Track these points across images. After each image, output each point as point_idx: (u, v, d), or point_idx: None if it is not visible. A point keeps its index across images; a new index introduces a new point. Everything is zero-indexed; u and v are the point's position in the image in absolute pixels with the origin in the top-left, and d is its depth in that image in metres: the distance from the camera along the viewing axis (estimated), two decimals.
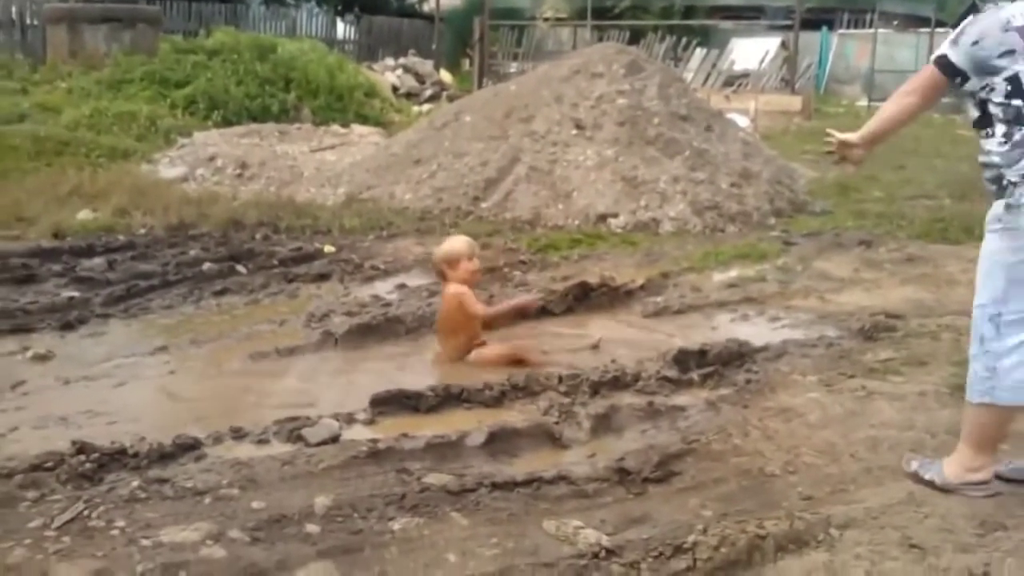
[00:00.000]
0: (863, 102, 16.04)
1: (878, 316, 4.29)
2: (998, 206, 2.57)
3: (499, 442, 3.02)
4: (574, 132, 7.05)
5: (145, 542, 2.34)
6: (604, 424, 3.21)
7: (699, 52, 18.24)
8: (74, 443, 2.79)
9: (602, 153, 6.82)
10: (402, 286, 4.85)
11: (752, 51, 17.67)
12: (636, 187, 6.59)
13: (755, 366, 3.71)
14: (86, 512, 2.45)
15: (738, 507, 2.61)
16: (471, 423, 3.16)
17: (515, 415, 3.28)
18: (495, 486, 2.72)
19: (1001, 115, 2.54)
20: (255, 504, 2.57)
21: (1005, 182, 2.54)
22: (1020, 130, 2.51)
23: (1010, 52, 2.51)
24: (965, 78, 2.58)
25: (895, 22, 22.02)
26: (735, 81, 17.25)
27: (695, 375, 3.62)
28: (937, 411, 3.29)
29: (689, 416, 3.25)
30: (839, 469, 2.85)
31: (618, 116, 7.13)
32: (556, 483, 2.77)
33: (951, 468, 2.74)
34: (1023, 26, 2.52)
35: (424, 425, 3.17)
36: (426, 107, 13.96)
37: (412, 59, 17.02)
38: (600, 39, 17.73)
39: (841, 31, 21.98)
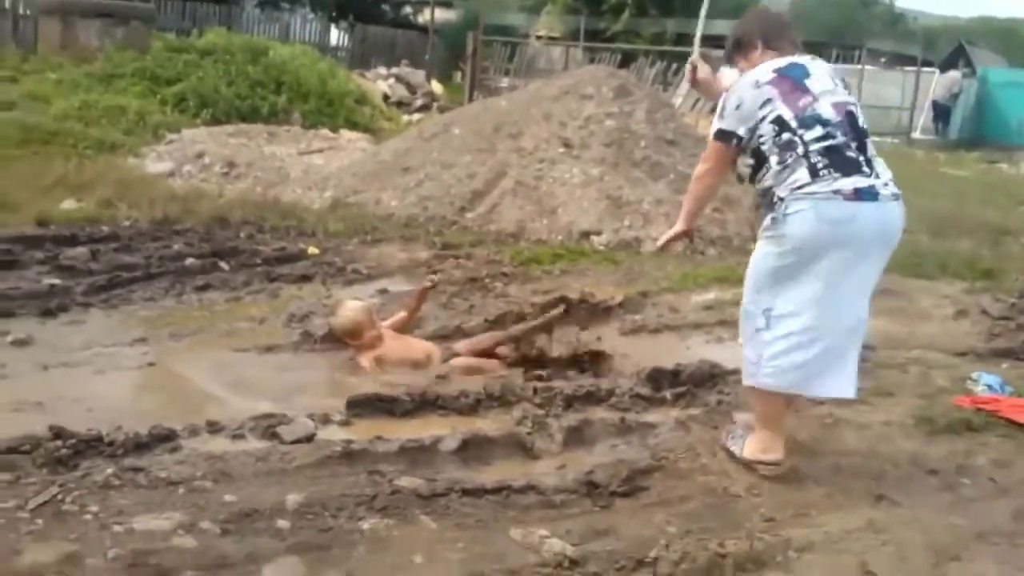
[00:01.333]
0: None
1: None
2: (768, 219, 2.93)
3: (471, 449, 3.07)
4: (561, 150, 7.14)
5: (117, 528, 2.37)
6: (576, 437, 3.26)
7: None
8: (51, 428, 2.82)
9: (588, 172, 6.90)
10: (384, 291, 4.90)
11: None
12: (620, 207, 6.68)
13: (727, 388, 3.77)
14: (60, 496, 2.47)
15: (701, 525, 2.67)
16: (445, 429, 3.21)
17: (489, 423, 3.33)
18: (465, 492, 2.76)
19: (775, 149, 2.92)
20: (227, 497, 2.60)
21: (775, 198, 2.90)
22: (791, 155, 2.89)
23: (768, 101, 2.93)
24: (740, 138, 2.99)
25: (883, 59, 22.40)
26: None
27: (667, 394, 3.68)
28: (901, 441, 3.37)
29: (659, 433, 3.31)
30: (802, 493, 2.92)
31: (605, 137, 7.23)
32: (525, 492, 2.81)
33: (750, 446, 3.03)
34: (770, 79, 2.95)
35: (399, 429, 3.21)
36: (416, 117, 14.04)
37: (404, 69, 17.12)
38: (591, 60, 17.92)
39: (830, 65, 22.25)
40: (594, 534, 2.61)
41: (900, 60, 22.03)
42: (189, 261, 5.19)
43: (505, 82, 18.88)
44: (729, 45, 3.22)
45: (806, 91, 2.93)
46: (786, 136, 2.90)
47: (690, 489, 2.92)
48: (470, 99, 14.90)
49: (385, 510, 2.64)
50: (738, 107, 2.98)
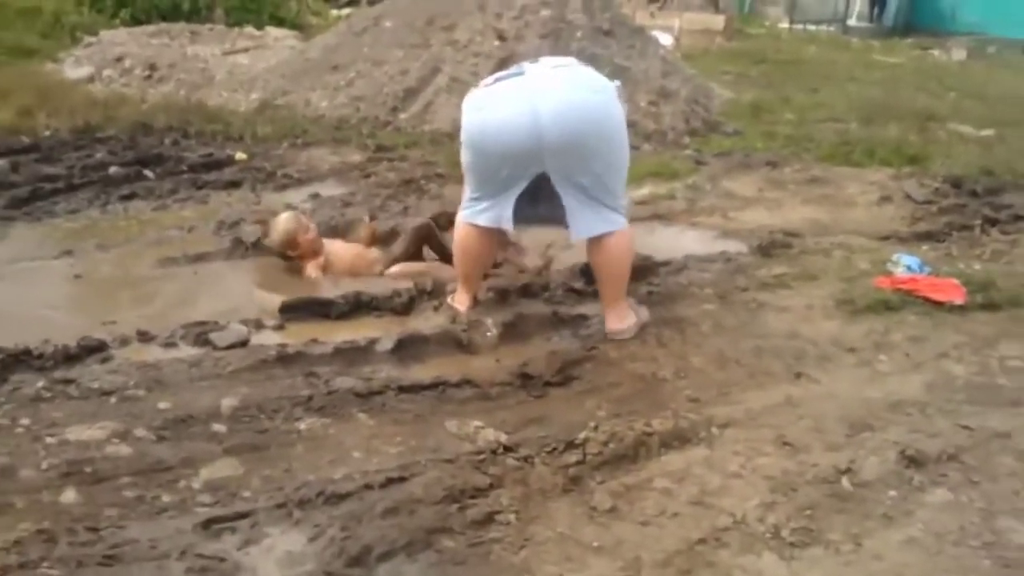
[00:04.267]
0: (784, 24, 16.17)
1: (776, 234, 4.47)
2: None
3: (407, 348, 3.11)
4: (496, 43, 6.99)
5: (50, 440, 2.39)
6: (510, 332, 3.32)
7: None
8: None
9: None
10: (316, 195, 4.83)
11: None
12: None
13: (657, 279, 3.85)
14: None
15: (630, 408, 2.78)
16: (380, 330, 3.24)
17: (424, 322, 3.37)
18: (402, 389, 2.83)
19: None
20: (161, 405, 2.62)
21: None
22: None
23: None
24: None
25: None
26: None
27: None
28: (821, 322, 3.51)
29: (591, 325, 3.39)
30: (725, 374, 3.04)
31: (541, 28, 7.08)
32: (461, 386, 2.89)
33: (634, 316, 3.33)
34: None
35: (334, 332, 3.23)
36: (346, 11, 13.52)
37: None
38: None
39: None
40: (527, 422, 2.70)
41: None
42: (113, 170, 5.03)
43: None
44: None
45: None
46: None
47: (620, 376, 3.02)
48: None
49: (322, 410, 2.69)
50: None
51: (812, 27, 15.55)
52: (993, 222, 4.93)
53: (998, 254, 4.42)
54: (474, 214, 3.31)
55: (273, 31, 10.49)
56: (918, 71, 10.97)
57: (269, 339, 3.17)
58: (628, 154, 3.29)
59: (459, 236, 3.39)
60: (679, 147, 6.54)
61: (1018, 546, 2.20)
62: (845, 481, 2.44)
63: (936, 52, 13.77)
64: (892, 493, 2.40)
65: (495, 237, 3.40)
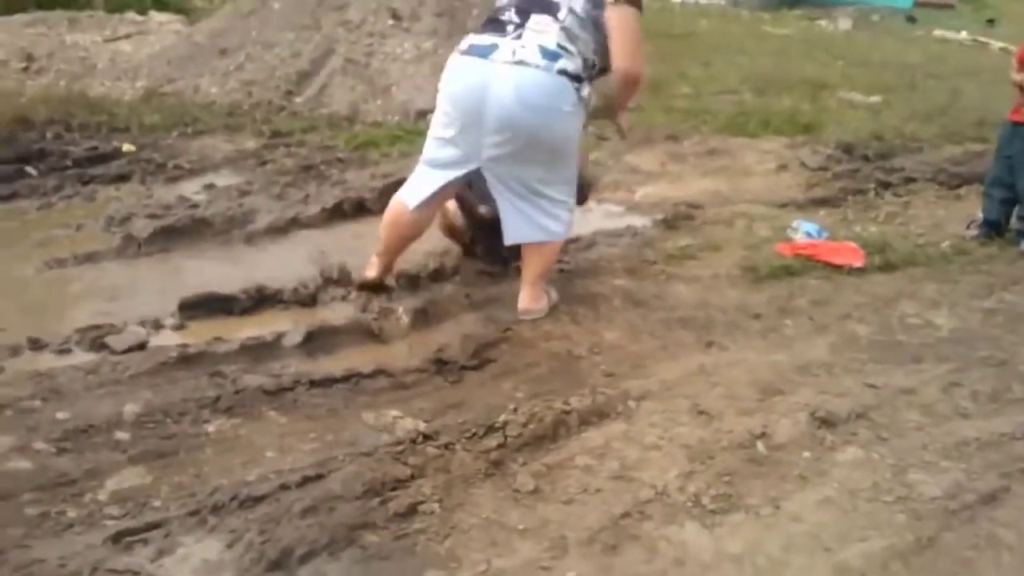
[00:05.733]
0: None
1: (680, 206, 4.54)
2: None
3: (317, 341, 3.03)
4: (391, 23, 6.85)
5: None
6: (422, 318, 3.27)
7: None
8: None
9: (420, 46, 6.68)
10: (210, 186, 4.63)
11: None
12: None
13: (567, 256, 3.86)
14: None
15: (548, 387, 2.77)
16: (287, 323, 3.14)
17: (333, 313, 3.28)
18: (313, 383, 2.75)
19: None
20: (60, 415, 2.48)
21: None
22: None
23: None
24: None
25: None
26: None
27: (512, 267, 3.73)
28: (728, 290, 3.58)
29: (505, 306, 3.36)
30: (639, 347, 3.07)
31: (436, 7, 6.98)
32: (375, 377, 2.83)
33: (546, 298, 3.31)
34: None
35: (238, 328, 3.12)
36: None
37: None
38: None
39: None
40: (446, 408, 2.67)
41: None
42: None
43: None
44: None
45: None
46: None
47: (536, 356, 3.01)
48: None
49: (230, 410, 2.59)
50: None
51: (703, 1, 15.82)
52: (886, 185, 5.13)
53: (892, 216, 4.60)
54: (405, 187, 3.27)
55: (157, 16, 10.04)
56: (806, 41, 11.31)
57: (169, 340, 3.03)
58: (574, 163, 3.17)
59: (389, 207, 3.34)
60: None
61: (930, 498, 2.30)
62: (760, 445, 2.49)
63: (823, 22, 14.24)
64: (806, 454, 2.46)
65: (422, 216, 3.29)
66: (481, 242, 3.64)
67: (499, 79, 2.92)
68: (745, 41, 10.80)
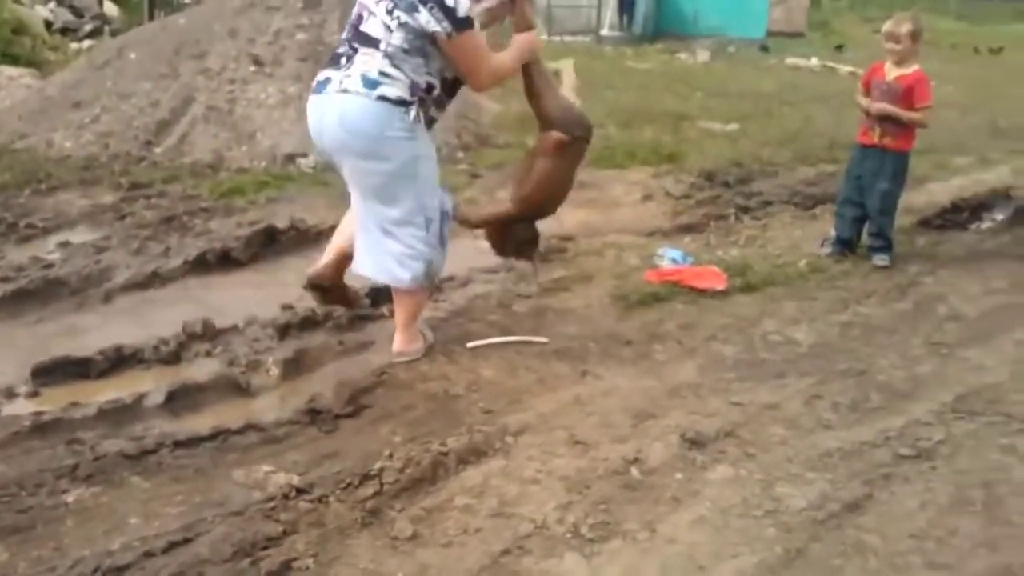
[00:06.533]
0: (544, 36, 16.83)
1: (552, 239, 4.61)
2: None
3: (180, 399, 2.92)
4: (252, 69, 6.74)
5: None
6: (293, 367, 3.20)
7: None
8: None
9: (285, 90, 6.59)
10: (65, 244, 4.41)
11: None
12: None
13: (443, 295, 3.85)
14: None
15: (425, 429, 2.75)
16: (149, 383, 3.01)
17: (197, 370, 3.17)
18: (178, 444, 2.64)
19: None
20: None
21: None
22: None
23: None
24: None
25: None
26: None
27: (385, 309, 3.69)
28: (600, 320, 3.65)
29: (379, 350, 3.33)
30: (516, 382, 3.08)
31: (298, 51, 6.91)
32: (244, 432, 2.74)
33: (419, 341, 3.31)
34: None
35: (96, 391, 2.97)
36: (87, 43, 12.61)
37: None
38: None
39: None
40: (320, 459, 2.60)
41: None
42: None
43: None
44: None
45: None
46: None
47: (412, 398, 2.98)
48: (151, 18, 13.60)
49: (90, 478, 2.47)
50: None
51: (568, 38, 16.27)
52: (745, 209, 5.36)
53: (752, 239, 4.80)
54: None
55: (7, 70, 9.57)
56: (667, 74, 11.75)
57: (23, 408, 2.87)
58: (425, 201, 3.08)
59: None
60: (454, 162, 6.58)
61: (797, 510, 2.37)
62: (634, 470, 2.53)
63: (683, 55, 14.83)
64: (678, 476, 2.52)
65: None
66: (490, 238, 3.62)
67: (329, 109, 3.03)
68: (610, 76, 11.12)
